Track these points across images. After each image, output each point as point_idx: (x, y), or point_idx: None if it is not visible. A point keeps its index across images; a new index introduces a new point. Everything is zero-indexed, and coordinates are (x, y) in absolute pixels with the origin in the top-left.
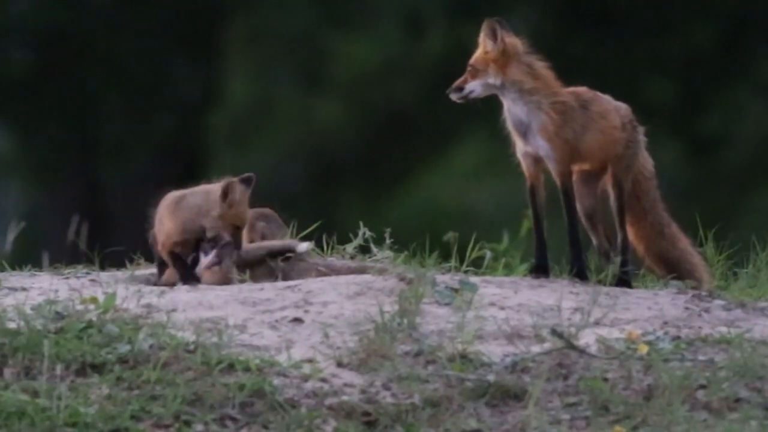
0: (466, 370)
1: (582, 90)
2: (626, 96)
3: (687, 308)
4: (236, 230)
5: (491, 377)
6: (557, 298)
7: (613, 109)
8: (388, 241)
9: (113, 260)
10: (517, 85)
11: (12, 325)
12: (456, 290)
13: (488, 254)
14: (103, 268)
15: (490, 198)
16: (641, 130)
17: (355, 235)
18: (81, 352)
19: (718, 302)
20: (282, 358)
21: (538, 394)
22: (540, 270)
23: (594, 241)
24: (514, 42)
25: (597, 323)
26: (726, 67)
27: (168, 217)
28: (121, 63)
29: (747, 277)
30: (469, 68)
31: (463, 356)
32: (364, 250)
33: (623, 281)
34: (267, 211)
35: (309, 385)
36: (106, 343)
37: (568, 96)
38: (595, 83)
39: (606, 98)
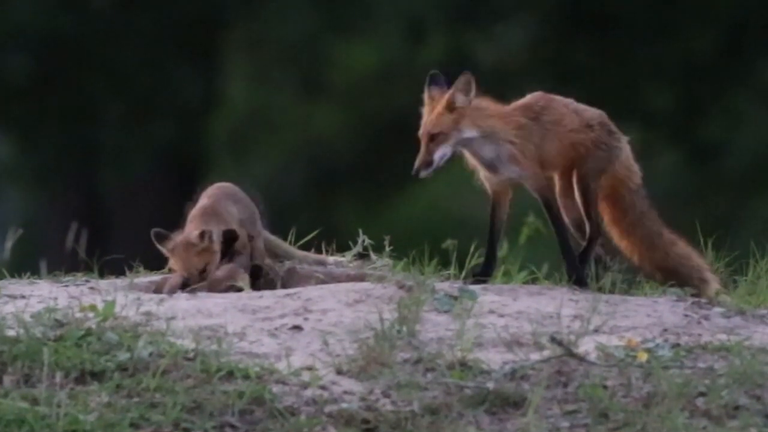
0: (466, 378)
1: (533, 99)
2: (626, 102)
3: (686, 315)
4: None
5: (490, 385)
6: (556, 306)
7: (570, 111)
8: (387, 249)
9: (112, 268)
10: (490, 129)
11: (11, 333)
12: (455, 298)
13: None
14: (102, 275)
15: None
16: (623, 138)
17: (355, 243)
18: (80, 360)
19: (718, 310)
20: (281, 365)
21: (538, 402)
22: (482, 277)
23: None
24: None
25: (596, 331)
26: (726, 74)
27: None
28: (121, 69)
29: (746, 284)
30: (427, 137)
31: (463, 364)
32: (364, 257)
33: (573, 269)
34: (231, 189)
35: (308, 393)
36: (106, 351)
37: (518, 114)
38: (595, 90)
39: (563, 102)
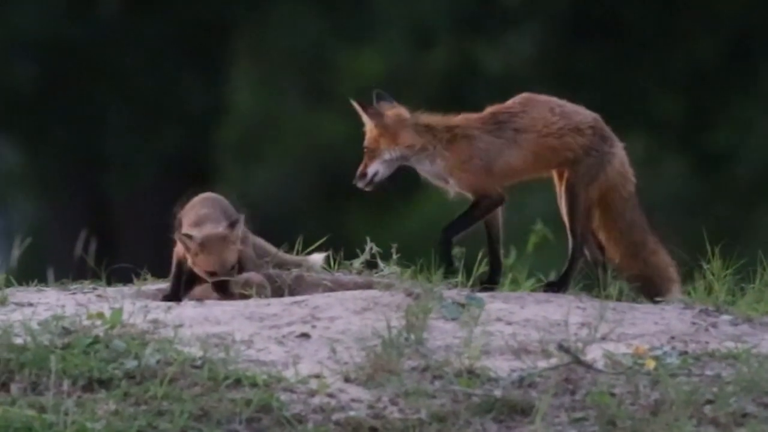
0: (473, 386)
1: (511, 103)
2: (633, 110)
3: (694, 323)
4: (212, 275)
5: (498, 392)
6: (564, 313)
7: (555, 115)
8: (395, 256)
9: (120, 275)
10: (411, 149)
11: (19, 341)
12: (463, 305)
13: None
14: (109, 283)
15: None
16: (617, 144)
17: (362, 250)
18: (88, 368)
19: (725, 317)
20: (289, 373)
21: (545, 410)
22: (489, 284)
23: (587, 253)
24: (397, 111)
25: (604, 338)
26: (732, 82)
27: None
28: (127, 76)
29: (754, 292)
30: (365, 150)
31: (470, 371)
32: (371, 265)
33: (554, 285)
34: (223, 200)
35: (316, 401)
36: (113, 359)
37: (468, 126)
38: (602, 97)
39: (549, 105)
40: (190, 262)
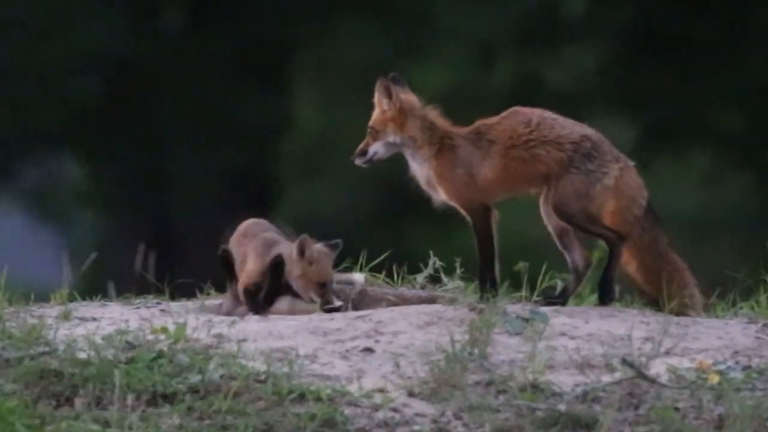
0: (537, 400)
1: (499, 116)
2: (696, 126)
3: (758, 337)
4: (322, 287)
5: (562, 407)
6: (628, 328)
7: (533, 126)
8: (458, 271)
9: (183, 290)
10: (412, 141)
11: (83, 355)
12: (527, 320)
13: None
14: (173, 297)
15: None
16: (612, 164)
17: (426, 265)
18: (152, 382)
19: None
20: (353, 387)
21: (609, 424)
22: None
23: (567, 259)
24: (410, 98)
25: (668, 353)
26: None
27: (254, 257)
28: (190, 93)
29: None
30: (369, 130)
31: (534, 386)
32: (435, 279)
33: (602, 298)
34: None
35: (380, 415)
36: (177, 373)
37: (456, 136)
38: (665, 114)
39: (528, 117)
40: (297, 273)
